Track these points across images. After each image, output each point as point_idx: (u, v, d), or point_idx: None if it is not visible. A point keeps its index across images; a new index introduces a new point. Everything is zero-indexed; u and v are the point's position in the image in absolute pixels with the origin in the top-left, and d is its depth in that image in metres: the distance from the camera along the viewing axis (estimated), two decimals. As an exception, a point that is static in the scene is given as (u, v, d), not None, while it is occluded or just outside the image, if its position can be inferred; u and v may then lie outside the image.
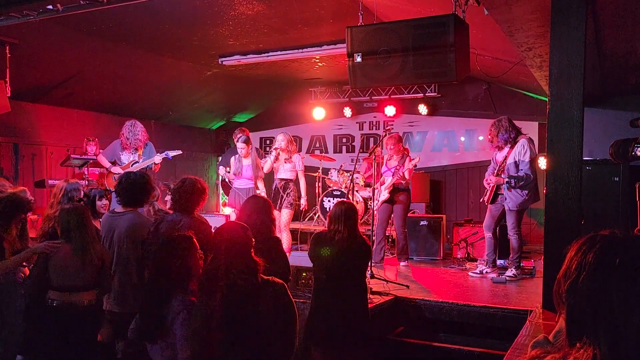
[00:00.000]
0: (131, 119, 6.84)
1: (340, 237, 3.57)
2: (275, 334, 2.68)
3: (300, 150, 10.58)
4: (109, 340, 4.23)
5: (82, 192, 4.84)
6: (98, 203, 4.56)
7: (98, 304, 3.82)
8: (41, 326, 3.70)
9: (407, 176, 6.59)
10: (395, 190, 6.68)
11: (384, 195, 6.67)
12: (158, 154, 6.66)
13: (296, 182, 6.77)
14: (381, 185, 6.76)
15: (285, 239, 6.45)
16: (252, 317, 2.59)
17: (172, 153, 6.71)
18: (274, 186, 6.72)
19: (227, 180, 7.22)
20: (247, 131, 7.63)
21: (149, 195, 4.02)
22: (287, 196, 6.57)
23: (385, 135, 6.74)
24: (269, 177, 6.99)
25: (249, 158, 6.79)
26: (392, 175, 6.65)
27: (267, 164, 6.72)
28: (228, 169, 6.95)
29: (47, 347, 3.71)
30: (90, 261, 3.66)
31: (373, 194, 6.36)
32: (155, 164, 6.63)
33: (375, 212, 6.60)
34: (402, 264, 6.74)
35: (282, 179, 6.67)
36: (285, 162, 6.66)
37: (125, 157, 6.64)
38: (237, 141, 6.83)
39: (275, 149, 6.67)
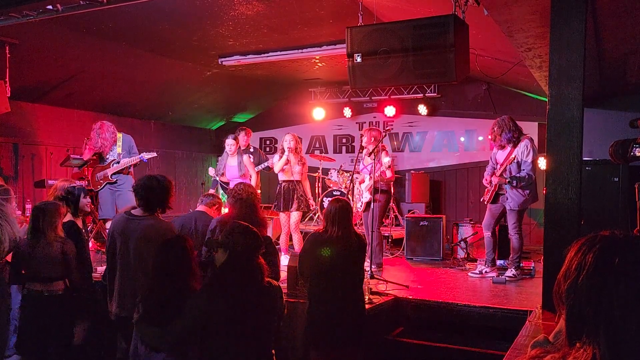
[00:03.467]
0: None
1: (336, 236, 3.57)
2: (270, 334, 2.70)
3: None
4: (80, 341, 4.24)
5: (62, 191, 4.81)
6: (82, 201, 4.49)
7: (68, 294, 4.01)
8: (24, 317, 4.00)
9: (388, 174, 6.21)
10: (375, 190, 6.15)
11: (367, 196, 6.28)
12: (134, 156, 6.64)
13: (299, 182, 6.57)
14: (360, 184, 6.57)
15: (296, 240, 6.45)
16: (254, 318, 2.60)
17: (147, 155, 6.64)
18: (278, 188, 6.55)
19: (217, 180, 7.19)
20: (249, 131, 7.65)
21: (169, 200, 3.79)
22: (296, 199, 6.42)
23: (386, 135, 6.69)
24: (274, 179, 6.96)
25: (235, 157, 6.81)
26: (370, 175, 6.25)
27: (278, 163, 6.50)
28: (214, 170, 7.00)
29: (32, 339, 3.95)
30: (50, 254, 3.93)
31: (373, 193, 6.31)
32: (142, 159, 6.61)
33: (359, 212, 6.51)
34: (373, 267, 5.63)
35: (287, 181, 6.46)
36: (295, 165, 6.45)
37: (109, 156, 6.67)
38: (226, 142, 6.88)
39: (289, 148, 6.42)
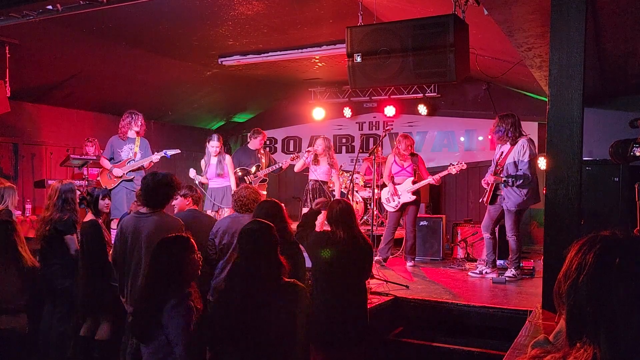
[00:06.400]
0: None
1: (339, 237, 3.56)
2: (291, 334, 2.65)
3: (300, 151, 10.59)
4: (105, 337, 4.27)
5: (83, 192, 4.87)
6: (101, 202, 4.56)
7: (38, 329, 3.72)
8: None
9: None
10: (416, 192, 6.68)
11: (409, 197, 6.58)
12: (156, 152, 6.62)
13: (328, 183, 6.95)
14: (395, 185, 6.70)
15: None
16: (272, 317, 2.57)
17: (170, 152, 6.65)
18: (307, 186, 6.86)
19: (197, 182, 6.89)
20: (264, 133, 7.63)
21: (173, 196, 3.96)
22: (318, 197, 6.68)
23: (385, 135, 6.74)
24: (302, 177, 7.17)
25: (216, 157, 6.87)
26: (414, 176, 6.64)
27: (298, 163, 6.96)
28: (195, 171, 6.94)
29: None
30: (15, 280, 3.56)
31: (373, 194, 6.36)
32: (152, 161, 6.58)
33: (376, 212, 6.60)
34: (409, 263, 6.75)
35: (316, 180, 6.81)
36: (324, 165, 6.81)
37: (125, 154, 6.57)
38: (211, 140, 6.93)
39: (308, 151, 6.86)
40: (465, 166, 6.55)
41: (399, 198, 6.63)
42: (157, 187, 3.70)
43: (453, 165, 6.54)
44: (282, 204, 3.88)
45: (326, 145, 6.80)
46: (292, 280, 2.69)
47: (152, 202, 3.72)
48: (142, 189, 3.74)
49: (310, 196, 6.82)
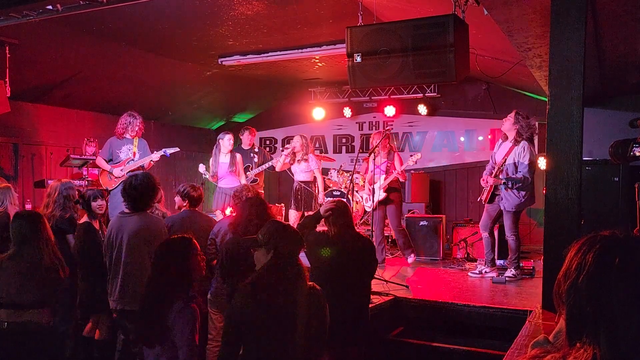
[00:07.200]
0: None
1: (337, 238, 3.56)
2: (309, 338, 2.64)
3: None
4: (103, 337, 4.28)
5: (77, 192, 4.86)
6: (93, 204, 4.53)
7: (55, 324, 3.56)
8: None
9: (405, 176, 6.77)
10: (389, 189, 6.70)
11: (380, 193, 6.65)
12: (156, 151, 6.61)
13: (314, 182, 7.03)
14: (372, 184, 6.73)
15: None
16: (294, 320, 2.56)
17: (169, 150, 6.63)
18: (294, 187, 6.96)
19: (205, 177, 7.13)
20: (254, 130, 7.70)
21: (154, 197, 4.00)
22: (307, 198, 6.80)
23: (385, 135, 6.76)
24: (287, 177, 7.19)
25: (228, 155, 6.91)
26: (386, 174, 6.65)
27: (279, 163, 7.03)
28: (206, 169, 7.00)
29: None
30: (44, 274, 3.41)
31: (373, 194, 6.37)
32: (152, 161, 6.57)
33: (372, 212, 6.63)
34: (409, 259, 6.75)
35: (300, 182, 6.91)
36: (299, 163, 6.89)
37: (124, 154, 6.55)
38: (226, 134, 6.95)
39: (286, 148, 7.02)
40: (420, 155, 6.74)
41: (373, 196, 6.66)
42: (135, 191, 3.77)
43: (410, 157, 6.69)
44: (267, 203, 3.97)
45: (303, 143, 6.87)
46: (312, 283, 2.69)
47: (133, 204, 3.81)
48: (122, 193, 3.82)
49: (293, 198, 6.91)
